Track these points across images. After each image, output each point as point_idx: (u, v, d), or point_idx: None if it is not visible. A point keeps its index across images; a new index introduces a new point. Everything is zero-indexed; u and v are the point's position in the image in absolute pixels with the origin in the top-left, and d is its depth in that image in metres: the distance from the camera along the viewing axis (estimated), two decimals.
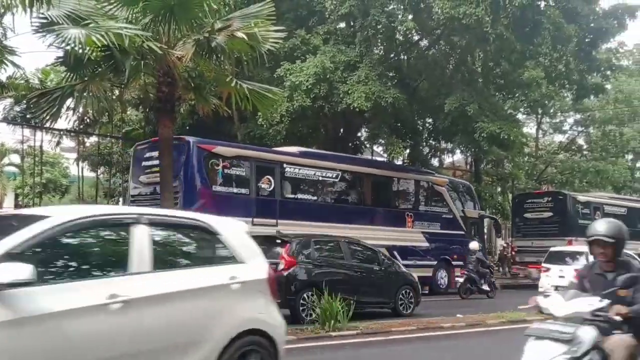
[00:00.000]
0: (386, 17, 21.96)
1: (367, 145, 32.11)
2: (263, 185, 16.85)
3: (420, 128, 29.02)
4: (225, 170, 15.98)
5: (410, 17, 23.30)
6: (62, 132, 30.56)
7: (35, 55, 30.41)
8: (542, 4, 22.87)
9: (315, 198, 18.63)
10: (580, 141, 44.44)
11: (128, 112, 26.70)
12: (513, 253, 30.33)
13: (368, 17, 21.76)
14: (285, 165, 17.57)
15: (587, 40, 24.63)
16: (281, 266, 12.27)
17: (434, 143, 32.04)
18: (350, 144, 27.80)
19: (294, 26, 23.00)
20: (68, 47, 10.32)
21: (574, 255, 20.50)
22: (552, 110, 40.81)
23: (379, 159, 32.24)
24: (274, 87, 12.00)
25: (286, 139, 22.63)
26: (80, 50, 10.17)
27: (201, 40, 10.36)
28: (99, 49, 10.49)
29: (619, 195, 37.70)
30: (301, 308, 12.25)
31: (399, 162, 28.09)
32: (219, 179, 15.90)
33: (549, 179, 40.38)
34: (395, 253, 18.80)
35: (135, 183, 16.76)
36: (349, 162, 20.44)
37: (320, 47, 22.23)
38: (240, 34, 10.07)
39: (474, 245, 20.77)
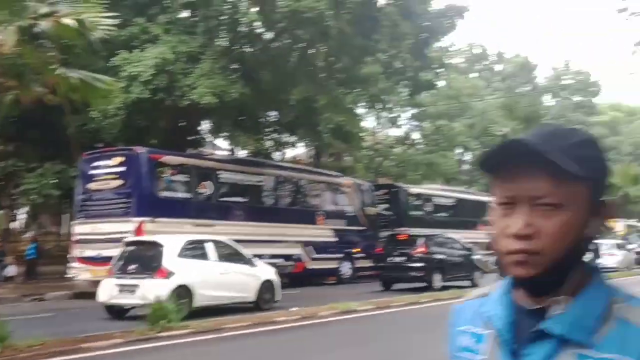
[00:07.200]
0: (229, 8, 21.51)
1: (208, 139, 31.43)
2: (201, 190, 18.90)
3: (264, 121, 28.86)
4: (172, 177, 17.94)
5: (254, 9, 23.01)
6: None
7: None
8: (380, 1, 23.56)
9: (245, 200, 20.67)
10: (415, 135, 46.79)
11: None
12: None
13: (210, 7, 21.17)
14: (218, 172, 19.62)
15: (421, 38, 25.76)
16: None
17: (277, 136, 32.04)
18: (188, 137, 27.04)
19: (133, 14, 21.79)
20: None
21: None
22: (389, 105, 42.48)
23: (224, 152, 31.76)
24: (105, 77, 11.14)
25: (123, 132, 21.52)
26: None
27: (23, 26, 9.39)
28: None
29: (448, 186, 40.25)
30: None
31: (243, 155, 27.89)
32: (166, 185, 17.92)
33: (385, 171, 42.04)
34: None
35: (84, 190, 17.94)
36: (272, 167, 22.97)
37: (161, 37, 21.28)
38: (67, 20, 9.22)
39: None
